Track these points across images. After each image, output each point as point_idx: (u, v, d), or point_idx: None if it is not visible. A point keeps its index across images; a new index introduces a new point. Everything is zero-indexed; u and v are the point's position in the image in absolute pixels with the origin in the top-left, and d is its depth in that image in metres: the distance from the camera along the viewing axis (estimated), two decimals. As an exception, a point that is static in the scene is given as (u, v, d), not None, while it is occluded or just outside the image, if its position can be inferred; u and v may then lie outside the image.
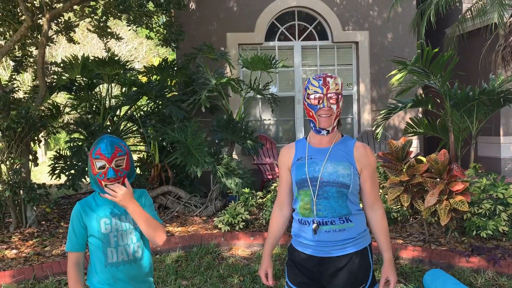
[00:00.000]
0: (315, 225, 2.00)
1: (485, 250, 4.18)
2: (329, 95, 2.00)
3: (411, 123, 6.40)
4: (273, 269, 2.23)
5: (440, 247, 4.39)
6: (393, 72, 5.94)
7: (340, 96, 2.03)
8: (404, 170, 4.43)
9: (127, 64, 6.57)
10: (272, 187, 5.50)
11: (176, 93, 6.78)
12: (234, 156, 7.31)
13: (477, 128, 5.98)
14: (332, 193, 1.99)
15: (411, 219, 5.20)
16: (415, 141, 7.88)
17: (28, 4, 6.03)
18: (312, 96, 2.02)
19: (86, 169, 5.70)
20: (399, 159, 4.50)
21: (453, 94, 5.77)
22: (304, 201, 2.04)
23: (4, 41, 6.60)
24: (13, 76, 6.18)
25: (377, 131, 6.02)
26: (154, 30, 7.07)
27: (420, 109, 7.92)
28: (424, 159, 4.56)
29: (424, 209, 4.28)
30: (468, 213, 4.42)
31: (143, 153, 7.41)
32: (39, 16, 6.18)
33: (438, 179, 4.33)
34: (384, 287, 2.11)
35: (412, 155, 4.59)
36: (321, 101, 2.01)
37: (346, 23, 7.90)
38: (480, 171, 5.33)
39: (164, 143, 6.62)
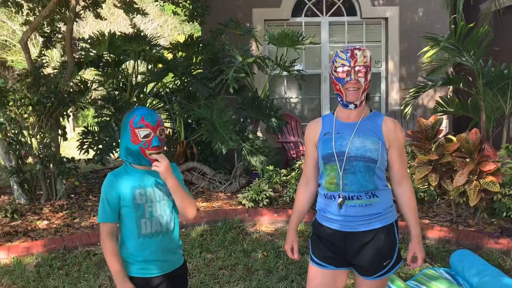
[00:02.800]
0: (340, 199, 1.99)
1: (515, 232, 4.08)
2: (357, 67, 1.95)
3: (441, 102, 6.22)
4: (298, 244, 2.23)
5: (468, 228, 4.31)
6: (425, 49, 5.75)
7: (368, 69, 1.97)
8: (433, 149, 4.33)
9: (153, 39, 6.58)
10: (296, 165, 5.47)
11: (202, 71, 6.77)
12: (259, 134, 7.29)
13: (511, 108, 5.76)
14: (359, 167, 1.96)
15: (438, 199, 5.10)
16: (444, 121, 7.67)
17: (56, -20, 6.07)
18: (339, 69, 1.98)
19: (114, 144, 5.80)
20: (428, 137, 4.40)
21: (486, 72, 5.56)
22: (330, 176, 2.02)
23: (33, 16, 6.69)
24: (43, 52, 6.28)
25: (406, 110, 5.88)
26: (180, 5, 7.03)
27: (451, 87, 7.69)
28: (454, 138, 4.45)
29: (452, 189, 4.20)
30: (499, 194, 4.30)
31: (168, 129, 7.48)
32: (67, -9, 6.22)
33: (468, 159, 4.22)
34: (411, 263, 2.08)
35: (441, 134, 4.47)
36: (348, 74, 1.96)
37: (375, -2, 7.67)
38: (512, 152, 5.17)
39: (189, 120, 6.64)
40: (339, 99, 2.04)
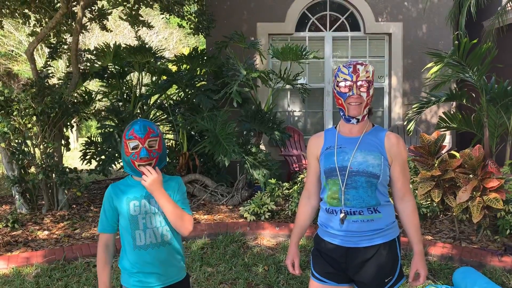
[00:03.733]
0: (342, 214, 1.97)
1: (519, 250, 4.04)
2: (359, 82, 1.95)
3: (444, 117, 6.22)
4: (299, 259, 2.21)
5: (471, 245, 4.27)
6: (429, 65, 5.77)
7: (370, 84, 1.98)
8: (436, 164, 4.31)
9: (158, 52, 6.63)
10: (299, 179, 5.46)
11: (205, 83, 6.80)
12: (262, 147, 7.29)
13: (515, 125, 5.75)
14: (361, 183, 1.95)
15: (441, 215, 5.07)
16: (447, 137, 7.66)
17: (63, -8, 6.15)
18: (341, 84, 1.98)
19: (116, 155, 5.81)
20: (431, 153, 4.38)
21: (489, 88, 5.56)
22: (332, 191, 2.01)
23: (40, 27, 6.76)
24: (48, 62, 6.33)
25: (409, 126, 5.87)
26: (186, 18, 7.10)
27: (454, 103, 7.69)
28: (457, 154, 4.43)
29: (455, 205, 4.16)
30: (502, 211, 4.27)
31: (171, 141, 7.49)
32: (74, 3, 6.29)
33: (471, 175, 4.19)
34: (413, 281, 2.06)
35: (444, 150, 4.46)
36: (350, 89, 1.96)
37: (379, 14, 7.72)
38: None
39: (192, 132, 6.66)
40: (342, 114, 2.05)
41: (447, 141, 7.67)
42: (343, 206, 1.98)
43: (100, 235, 2.02)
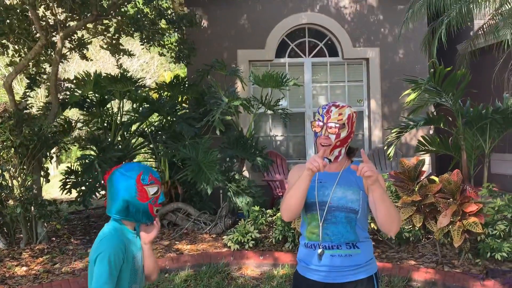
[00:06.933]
0: (320, 250, 1.99)
1: (500, 273, 4.09)
2: (329, 124, 1.98)
3: (423, 141, 6.34)
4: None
5: (453, 269, 4.31)
6: (406, 92, 5.90)
7: (342, 127, 1.97)
8: (416, 190, 4.38)
9: (139, 80, 6.63)
10: (282, 205, 5.45)
11: (187, 111, 6.81)
12: (244, 173, 7.29)
13: (491, 147, 5.90)
14: (341, 218, 1.98)
15: (423, 239, 5.12)
16: (427, 159, 7.79)
17: (42, 23, 6.13)
18: (315, 123, 2.02)
19: (97, 185, 5.72)
20: (411, 178, 4.45)
21: (465, 112, 5.72)
22: (312, 225, 2.03)
23: (18, 57, 6.71)
24: (27, 93, 6.26)
25: (389, 151, 5.97)
26: (166, 47, 7.14)
27: (432, 126, 7.85)
28: (436, 179, 4.51)
29: (436, 230, 4.22)
30: (482, 235, 4.33)
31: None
32: (53, 34, 6.27)
33: (451, 200, 4.27)
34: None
35: (424, 175, 4.53)
36: (321, 129, 2.00)
37: (356, 39, 7.91)
38: (494, 188, 5.24)
39: (174, 159, 6.62)
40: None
41: (427, 162, 7.79)
42: (321, 241, 2.00)
43: None
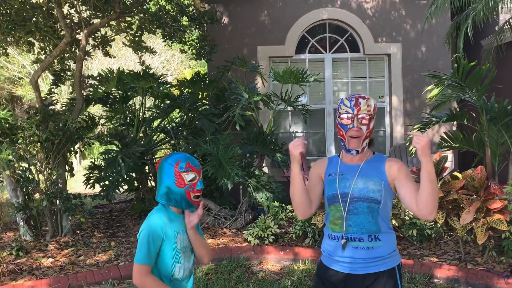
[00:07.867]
0: (343, 240, 2.02)
1: (525, 271, 4.02)
2: (360, 115, 2.01)
3: (446, 137, 6.23)
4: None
5: (477, 267, 4.25)
6: (428, 88, 5.82)
7: (371, 118, 2.03)
8: (439, 186, 4.33)
9: (161, 77, 6.71)
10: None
11: (208, 107, 6.86)
12: (264, 168, 7.32)
13: (516, 143, 5.76)
14: (363, 208, 2.01)
15: (445, 236, 5.05)
16: (449, 155, 7.67)
17: (67, 21, 6.27)
18: (343, 116, 2.04)
19: (120, 179, 5.82)
20: (433, 175, 4.39)
21: (490, 108, 5.60)
22: (335, 217, 2.07)
23: (44, 55, 6.87)
24: (52, 90, 6.41)
25: (411, 147, 5.90)
26: (188, 44, 7.21)
27: (455, 122, 7.72)
28: (459, 175, 4.44)
29: (459, 227, 4.16)
30: (507, 232, 4.25)
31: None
32: (78, 31, 6.41)
33: (474, 196, 4.20)
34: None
35: (447, 171, 4.47)
36: (351, 121, 2.01)
37: (378, 35, 7.83)
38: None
39: (195, 155, 6.69)
40: (342, 144, 2.10)
41: (450, 159, 7.68)
42: (344, 232, 2.02)
43: (141, 267, 1.90)
